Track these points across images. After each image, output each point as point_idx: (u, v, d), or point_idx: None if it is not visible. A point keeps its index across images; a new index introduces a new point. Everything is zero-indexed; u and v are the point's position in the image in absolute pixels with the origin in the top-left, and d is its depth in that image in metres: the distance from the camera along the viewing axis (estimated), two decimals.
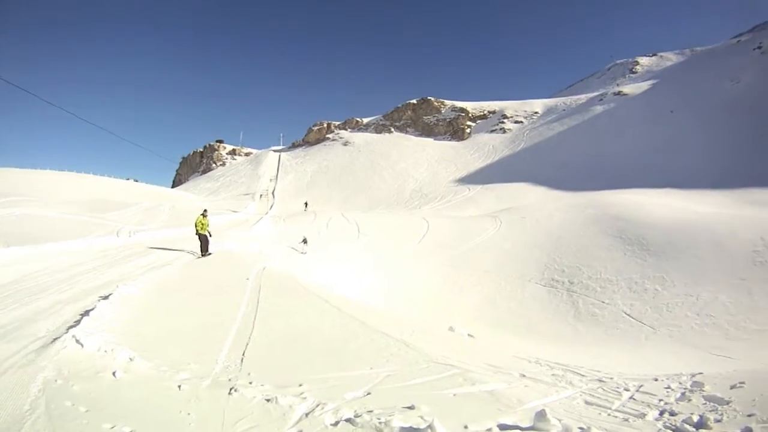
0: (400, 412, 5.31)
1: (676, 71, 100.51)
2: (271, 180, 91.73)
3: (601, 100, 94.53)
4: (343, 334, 9.74)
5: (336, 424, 4.86)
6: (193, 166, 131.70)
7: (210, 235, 19.50)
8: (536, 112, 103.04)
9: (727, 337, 16.73)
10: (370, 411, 5.27)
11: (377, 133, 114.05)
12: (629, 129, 77.83)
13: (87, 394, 5.00)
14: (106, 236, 21.20)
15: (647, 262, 23.72)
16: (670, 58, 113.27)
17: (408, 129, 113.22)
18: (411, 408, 5.57)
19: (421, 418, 5.22)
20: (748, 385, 7.38)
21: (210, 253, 19.06)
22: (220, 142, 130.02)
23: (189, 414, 4.85)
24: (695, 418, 5.80)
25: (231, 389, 5.69)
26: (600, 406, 6.88)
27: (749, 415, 5.85)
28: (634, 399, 7.31)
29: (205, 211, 20.43)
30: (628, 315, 19.79)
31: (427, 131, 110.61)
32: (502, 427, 5.18)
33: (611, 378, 9.06)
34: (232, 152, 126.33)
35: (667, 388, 8.01)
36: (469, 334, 14.41)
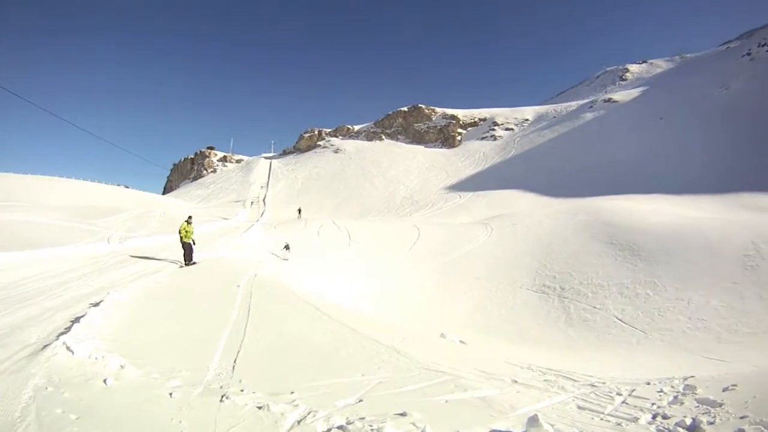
0: (392, 419, 5.30)
1: (665, 78, 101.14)
2: (262, 187, 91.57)
3: (591, 107, 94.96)
4: (334, 342, 9.73)
5: (328, 431, 4.85)
6: (184, 172, 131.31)
7: (194, 243, 18.57)
8: (527, 120, 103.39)
9: (718, 340, 16.83)
10: (362, 418, 5.27)
11: (368, 140, 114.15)
12: (619, 136, 78.19)
13: (78, 401, 4.96)
14: (96, 243, 21.09)
15: (638, 267, 23.82)
16: (660, 65, 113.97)
17: (399, 136, 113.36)
18: (403, 415, 5.56)
19: (414, 425, 5.22)
20: (740, 387, 7.41)
21: (194, 262, 18.23)
22: (211, 148, 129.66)
23: (180, 422, 4.82)
24: (688, 421, 5.84)
25: (222, 396, 5.65)
26: (593, 410, 6.91)
27: (742, 417, 5.89)
28: (626, 403, 7.33)
29: (190, 217, 19.57)
30: (620, 320, 19.86)
31: (418, 138, 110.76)
32: None
33: (603, 383, 9.09)
34: (223, 159, 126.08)
35: (659, 391, 8.04)
36: (460, 341, 14.41)
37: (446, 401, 6.68)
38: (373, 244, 33.58)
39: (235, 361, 7.39)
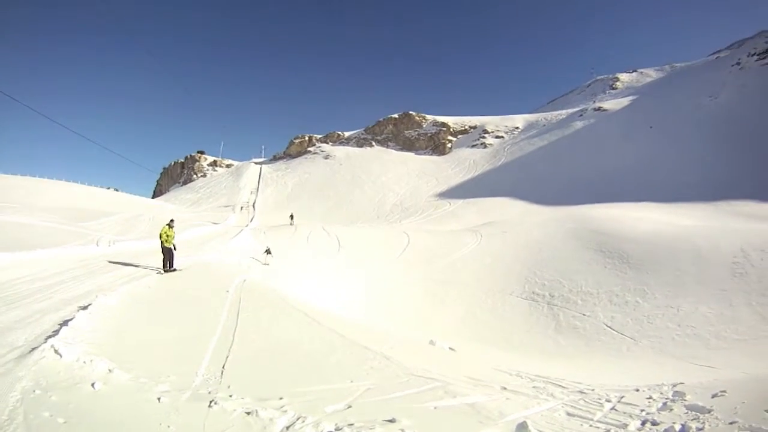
0: (381, 426, 5.31)
1: (655, 87, 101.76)
2: (251, 192, 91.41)
3: (582, 115, 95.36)
4: (323, 348, 9.71)
5: None
6: (174, 176, 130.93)
7: (174, 248, 17.63)
8: (517, 128, 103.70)
9: (708, 347, 16.89)
10: (351, 424, 5.27)
11: (358, 146, 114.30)
12: (609, 144, 78.56)
13: (65, 405, 4.94)
14: (86, 245, 20.98)
15: (627, 275, 23.91)
16: (650, 75, 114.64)
17: (389, 143, 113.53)
18: (392, 421, 5.56)
19: (402, 431, 5.22)
20: (729, 393, 7.44)
21: (174, 269, 17.29)
22: (201, 153, 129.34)
23: (169, 426, 4.81)
24: (677, 428, 5.86)
25: (211, 402, 5.64)
26: (582, 417, 6.90)
27: (731, 423, 5.91)
28: (615, 410, 7.34)
29: (172, 221, 18.75)
30: (609, 327, 19.92)
31: (408, 145, 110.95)
32: None
33: (593, 389, 9.10)
34: (213, 164, 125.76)
35: (648, 398, 8.05)
36: (450, 348, 14.39)
37: (435, 408, 6.67)
38: (363, 251, 33.56)
39: (223, 367, 7.36)
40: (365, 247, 34.94)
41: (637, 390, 8.94)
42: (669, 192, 55.32)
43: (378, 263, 30.70)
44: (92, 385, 5.64)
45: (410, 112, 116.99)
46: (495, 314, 23.01)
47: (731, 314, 18.83)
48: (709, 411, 6.59)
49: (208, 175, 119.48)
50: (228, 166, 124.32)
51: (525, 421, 5.22)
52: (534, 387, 9.34)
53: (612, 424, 6.50)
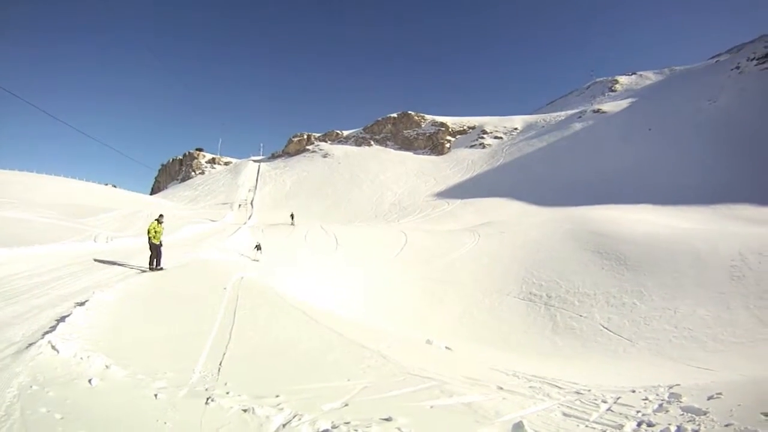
0: (377, 424, 5.31)
1: (654, 90, 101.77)
2: (249, 190, 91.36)
3: (581, 117, 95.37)
4: (320, 346, 9.70)
5: None
6: (172, 173, 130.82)
7: (161, 245, 16.64)
8: (516, 128, 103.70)
9: (704, 349, 16.92)
10: (347, 422, 5.27)
11: (357, 145, 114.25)
12: (608, 146, 78.59)
13: (62, 400, 4.93)
14: (83, 241, 20.94)
15: (625, 277, 23.95)
16: (649, 77, 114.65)
17: (388, 142, 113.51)
18: (388, 420, 5.56)
19: (399, 429, 5.24)
20: (725, 395, 7.45)
21: (161, 268, 16.37)
22: (200, 150, 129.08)
23: (165, 423, 4.80)
24: (673, 429, 5.87)
25: (208, 399, 5.64)
26: (578, 417, 6.91)
27: (727, 425, 5.91)
28: (611, 411, 7.34)
29: (161, 216, 17.86)
30: (606, 328, 19.96)
31: (406, 145, 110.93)
32: None
33: (589, 390, 9.11)
34: (212, 161, 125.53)
35: (644, 399, 8.05)
36: (446, 347, 14.39)
37: (431, 407, 6.67)
38: (361, 250, 33.61)
39: (220, 364, 7.36)
40: (363, 246, 35.00)
41: (634, 391, 8.94)
42: (667, 194, 55.36)
43: (376, 262, 30.74)
44: (89, 381, 5.63)
45: (409, 112, 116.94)
46: (492, 314, 23.05)
47: (729, 317, 18.88)
48: (705, 413, 6.59)
49: (206, 173, 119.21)
50: (226, 163, 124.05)
51: (521, 421, 5.23)
52: (530, 387, 9.35)
53: (608, 425, 6.50)
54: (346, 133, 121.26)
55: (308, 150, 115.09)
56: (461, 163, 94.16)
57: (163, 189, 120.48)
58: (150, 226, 16.68)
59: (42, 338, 6.78)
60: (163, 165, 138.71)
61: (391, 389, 7.25)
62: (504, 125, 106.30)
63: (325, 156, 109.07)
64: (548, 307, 22.83)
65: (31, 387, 5.15)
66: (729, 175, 58.60)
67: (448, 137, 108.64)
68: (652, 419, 6.66)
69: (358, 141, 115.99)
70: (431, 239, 37.28)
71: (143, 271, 15.59)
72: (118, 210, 39.14)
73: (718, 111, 77.52)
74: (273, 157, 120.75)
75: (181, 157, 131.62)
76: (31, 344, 6.57)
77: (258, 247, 26.68)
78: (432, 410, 6.55)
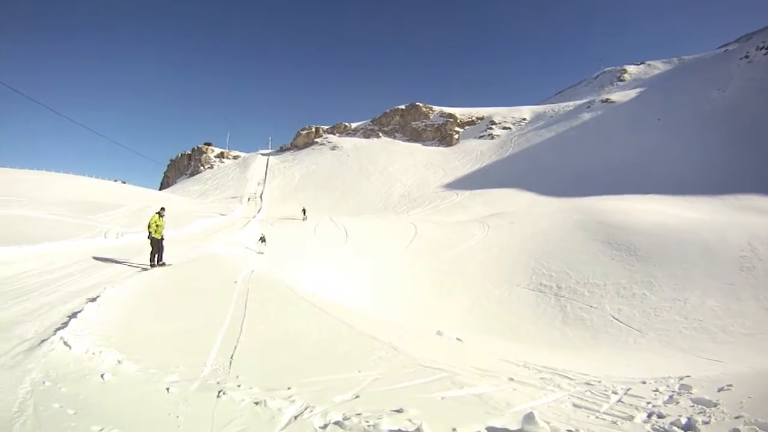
0: (388, 416, 5.30)
1: (663, 79, 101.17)
2: (258, 184, 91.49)
3: (589, 107, 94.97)
4: (330, 338, 9.72)
5: (325, 427, 4.86)
6: (181, 168, 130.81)
7: (162, 239, 15.93)
8: (524, 119, 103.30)
9: (714, 340, 16.89)
10: (359, 414, 5.28)
11: (365, 137, 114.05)
12: (617, 136, 78.23)
13: (75, 396, 4.96)
14: (93, 238, 21.02)
15: (635, 267, 23.89)
16: (658, 67, 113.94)
17: (396, 134, 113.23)
18: (399, 411, 5.56)
19: (410, 421, 5.22)
20: (735, 387, 7.44)
21: (164, 263, 15.74)
22: (209, 144, 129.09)
23: (178, 417, 4.82)
24: (683, 421, 5.84)
25: (220, 392, 5.66)
26: (588, 408, 6.90)
27: (737, 417, 5.90)
28: (622, 402, 7.34)
29: (162, 209, 16.97)
30: (616, 319, 19.92)
31: (415, 137, 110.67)
32: (490, 430, 5.18)
33: (599, 381, 9.10)
34: (220, 155, 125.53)
35: (654, 390, 8.05)
36: (457, 338, 14.39)
37: (442, 398, 6.67)
38: (370, 242, 33.63)
39: (232, 357, 7.38)
40: (372, 237, 35.03)
41: (644, 382, 8.94)
42: (676, 184, 55.14)
43: (385, 254, 30.76)
44: (101, 376, 5.66)
45: (417, 103, 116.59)
46: (502, 305, 23.04)
47: (738, 308, 18.83)
48: (715, 405, 6.59)
49: (215, 167, 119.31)
50: (235, 157, 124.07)
51: (532, 412, 5.21)
52: (541, 378, 9.34)
53: (618, 416, 6.48)
54: (354, 125, 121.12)
55: (317, 143, 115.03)
56: (470, 154, 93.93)
57: (172, 184, 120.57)
58: (151, 219, 15.92)
59: (54, 335, 6.82)
60: (171, 160, 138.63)
61: (402, 381, 7.26)
62: (512, 115, 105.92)
63: (333, 148, 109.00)
64: (558, 297, 22.81)
65: (43, 383, 5.18)
66: (737, 164, 58.31)
67: (457, 128, 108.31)
68: (662, 411, 6.66)
69: (367, 133, 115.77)
70: (440, 230, 37.29)
71: (144, 269, 14.90)
72: (127, 206, 39.17)
73: (727, 100, 77.17)
74: (281, 150, 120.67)
75: (189, 152, 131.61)
76: (43, 341, 6.61)
77: (262, 239, 26.59)
78: (443, 401, 6.56)
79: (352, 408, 5.61)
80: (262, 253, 25.14)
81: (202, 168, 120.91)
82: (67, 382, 5.31)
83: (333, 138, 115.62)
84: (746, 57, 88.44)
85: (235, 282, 14.35)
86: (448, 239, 33.81)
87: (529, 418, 5.07)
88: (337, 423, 4.90)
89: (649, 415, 6.47)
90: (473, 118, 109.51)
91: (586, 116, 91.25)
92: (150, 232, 15.63)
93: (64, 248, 17.08)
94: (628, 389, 8.18)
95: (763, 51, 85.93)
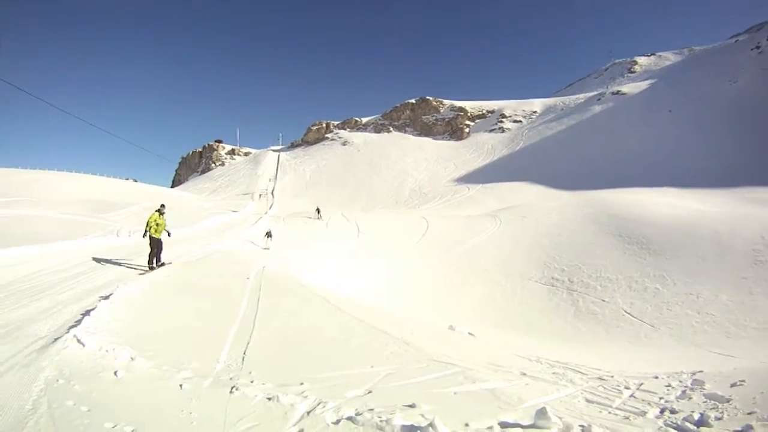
0: (401, 411, 5.31)
1: (674, 71, 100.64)
2: (270, 180, 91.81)
3: (600, 99, 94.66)
4: (343, 333, 9.72)
5: (337, 422, 4.85)
6: (192, 166, 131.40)
7: (169, 235, 15.35)
8: (535, 112, 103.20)
9: (727, 335, 16.79)
10: (371, 409, 5.27)
11: (376, 132, 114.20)
12: (628, 128, 77.92)
13: (89, 393, 4.99)
14: (106, 236, 21.15)
15: (647, 261, 23.79)
16: (669, 58, 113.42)
17: (407, 128, 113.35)
18: (412, 406, 5.56)
19: (422, 416, 5.22)
20: (748, 383, 7.38)
21: (163, 264, 14.85)
22: (219, 142, 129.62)
23: (191, 413, 4.84)
24: (696, 416, 5.80)
25: (232, 388, 5.67)
26: (601, 404, 6.88)
27: (750, 413, 5.86)
28: (634, 397, 7.31)
29: (163, 206, 15.73)
30: (629, 313, 19.85)
31: (425, 131, 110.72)
32: (503, 425, 5.17)
33: (612, 376, 9.06)
34: (231, 152, 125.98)
35: (667, 386, 8.01)
36: (469, 333, 14.37)
37: (455, 393, 6.67)
38: (382, 236, 33.68)
39: (244, 353, 7.40)
40: (384, 232, 35.09)
41: (656, 377, 8.90)
42: (687, 177, 54.94)
43: (397, 248, 30.80)
44: (115, 373, 5.69)
45: (427, 98, 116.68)
46: (514, 300, 23.00)
47: (751, 303, 18.72)
48: (728, 400, 6.55)
49: (226, 164, 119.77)
50: (246, 154, 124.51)
51: (544, 407, 5.19)
52: (553, 373, 9.32)
53: (631, 412, 6.46)
54: (364, 120, 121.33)
55: (327, 138, 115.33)
56: (481, 148, 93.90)
57: (184, 181, 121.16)
58: (150, 217, 14.72)
59: (67, 332, 6.87)
60: (183, 158, 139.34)
61: (415, 376, 7.26)
62: (523, 108, 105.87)
63: (344, 144, 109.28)
64: (570, 291, 22.75)
65: (57, 380, 5.22)
66: (749, 156, 57.97)
67: (467, 122, 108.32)
68: (675, 406, 6.62)
69: (377, 128, 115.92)
70: (452, 225, 37.28)
71: (144, 272, 13.89)
72: (139, 204, 39.34)
73: (739, 91, 76.65)
74: (292, 146, 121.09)
75: (200, 150, 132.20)
76: (56, 338, 6.66)
77: (268, 235, 26.49)
78: (455, 397, 6.55)
79: (365, 403, 5.62)
80: (267, 248, 25.07)
81: (213, 165, 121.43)
82: (81, 380, 5.34)
83: (344, 133, 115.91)
84: (757, 47, 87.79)
85: (248, 278, 14.40)
86: (460, 234, 33.80)
87: (541, 413, 5.06)
88: (349, 418, 4.89)
89: (662, 411, 6.44)
90: (484, 112, 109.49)
91: (597, 109, 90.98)
92: (147, 231, 14.58)
93: (77, 247, 17.24)
94: (641, 384, 8.15)
95: None
